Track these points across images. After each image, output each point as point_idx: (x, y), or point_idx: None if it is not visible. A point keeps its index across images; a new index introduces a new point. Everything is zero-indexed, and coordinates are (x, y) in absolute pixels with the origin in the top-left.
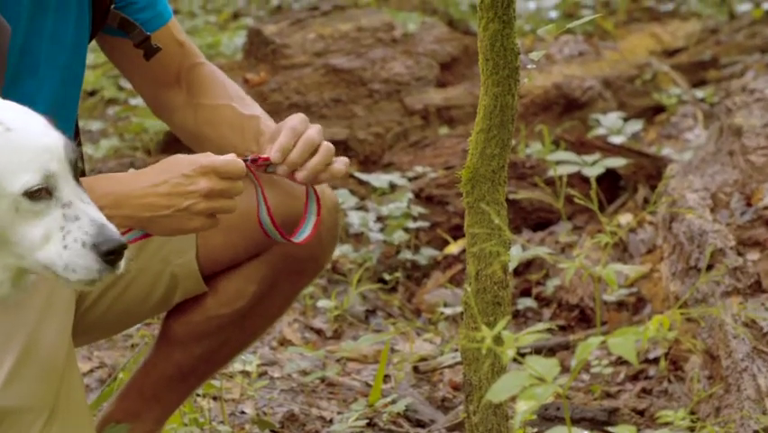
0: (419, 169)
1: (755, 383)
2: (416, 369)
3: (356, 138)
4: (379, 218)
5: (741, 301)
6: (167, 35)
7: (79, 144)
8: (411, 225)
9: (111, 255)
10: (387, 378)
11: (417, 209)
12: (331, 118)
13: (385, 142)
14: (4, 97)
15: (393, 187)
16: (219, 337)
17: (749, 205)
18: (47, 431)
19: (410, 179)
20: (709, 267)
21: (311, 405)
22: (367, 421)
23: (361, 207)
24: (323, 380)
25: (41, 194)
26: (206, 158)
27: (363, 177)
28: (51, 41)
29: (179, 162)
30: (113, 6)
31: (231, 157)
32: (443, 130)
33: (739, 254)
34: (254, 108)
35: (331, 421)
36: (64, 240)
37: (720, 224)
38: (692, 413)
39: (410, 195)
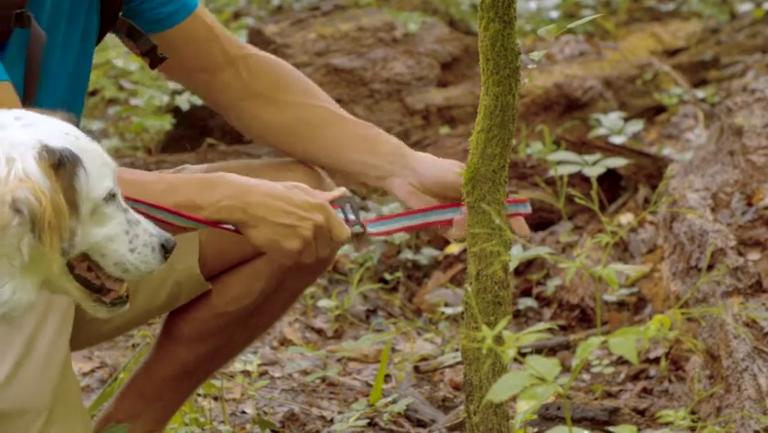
0: None
1: (756, 383)
2: (416, 369)
3: None
4: None
5: (742, 301)
6: (197, 23)
7: None
8: None
9: (170, 252)
10: (387, 378)
11: None
12: None
13: None
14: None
15: None
16: (224, 335)
17: (750, 205)
18: (45, 432)
19: None
20: (710, 267)
21: (312, 405)
22: (368, 421)
23: (361, 206)
24: (323, 379)
25: (114, 198)
26: (329, 208)
27: None
28: (62, 51)
29: (305, 190)
30: (120, 14)
31: (343, 223)
32: (444, 130)
33: (740, 254)
34: (345, 113)
35: (331, 421)
36: (131, 243)
37: (721, 224)
38: (693, 413)
39: None
